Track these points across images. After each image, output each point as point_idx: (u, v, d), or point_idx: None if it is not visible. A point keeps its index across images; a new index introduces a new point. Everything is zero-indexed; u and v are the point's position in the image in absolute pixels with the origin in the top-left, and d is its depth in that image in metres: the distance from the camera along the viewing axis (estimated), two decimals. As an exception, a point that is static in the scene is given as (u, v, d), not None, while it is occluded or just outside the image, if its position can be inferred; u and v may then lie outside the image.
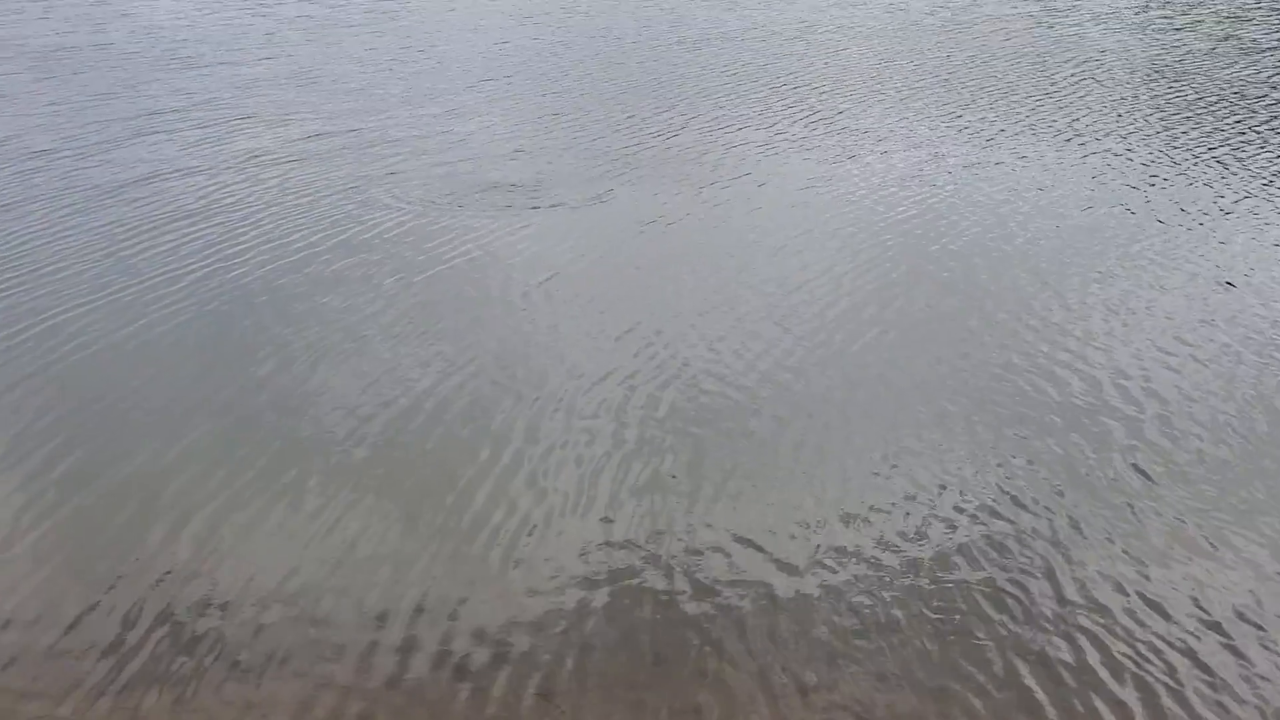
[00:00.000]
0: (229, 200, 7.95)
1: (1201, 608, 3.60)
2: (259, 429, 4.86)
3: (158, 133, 9.95)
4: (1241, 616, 3.56)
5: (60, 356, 5.53)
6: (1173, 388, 4.95)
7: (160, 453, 4.67)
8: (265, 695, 3.36)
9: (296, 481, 4.45)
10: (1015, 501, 4.19)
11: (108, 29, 16.64)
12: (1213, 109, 10.18)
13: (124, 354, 5.58)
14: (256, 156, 9.12)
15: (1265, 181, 7.88)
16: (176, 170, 8.71)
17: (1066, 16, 16.59)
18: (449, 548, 4.04)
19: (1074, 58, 12.98)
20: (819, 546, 3.97)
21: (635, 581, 3.83)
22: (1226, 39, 14.08)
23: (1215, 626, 3.52)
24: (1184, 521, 4.04)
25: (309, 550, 4.03)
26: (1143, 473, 4.33)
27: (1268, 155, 8.55)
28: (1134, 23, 15.76)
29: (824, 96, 11.15)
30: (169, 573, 3.92)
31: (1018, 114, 10.17)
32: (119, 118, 10.49)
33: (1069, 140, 9.19)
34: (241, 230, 7.30)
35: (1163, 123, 9.71)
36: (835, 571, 3.83)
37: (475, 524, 4.16)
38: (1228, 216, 7.15)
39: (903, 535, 4.02)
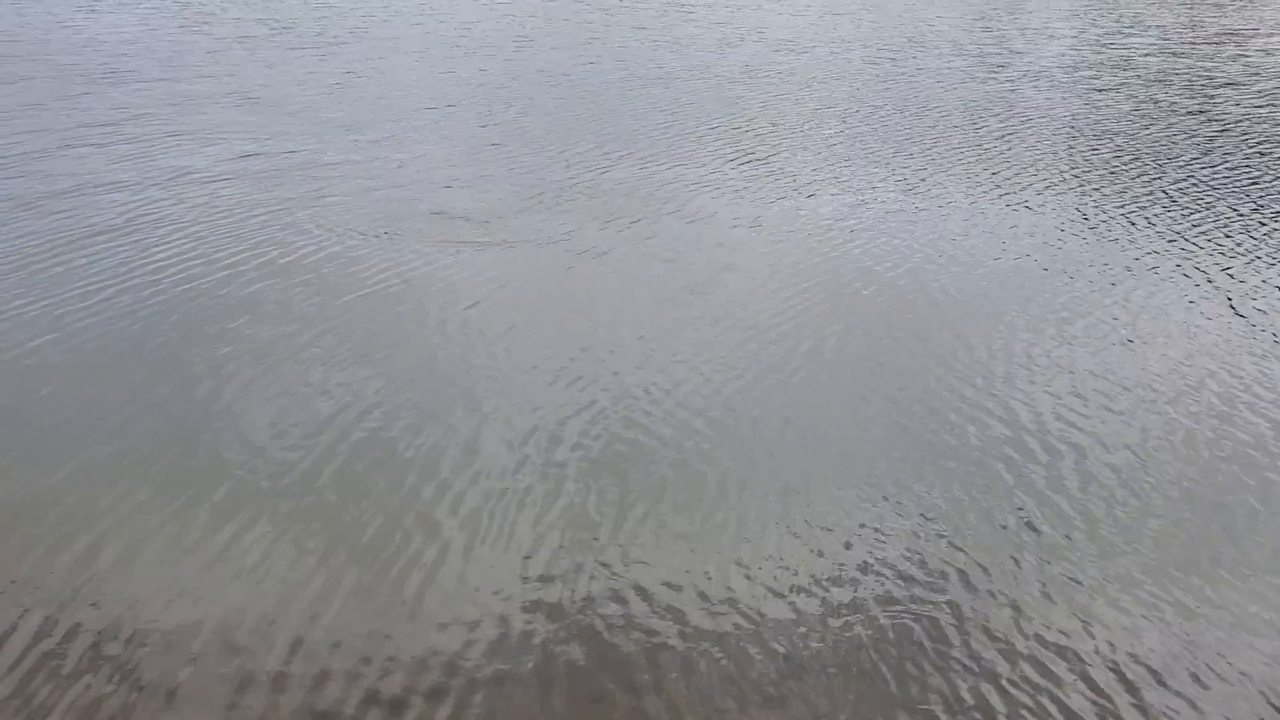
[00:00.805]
0: (151, 217, 7.88)
1: (1096, 661, 3.69)
2: (168, 450, 4.80)
3: (86, 145, 9.84)
4: (1126, 672, 3.66)
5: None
6: (1072, 442, 5.08)
7: (61, 470, 4.60)
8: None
9: (205, 506, 4.39)
10: (923, 549, 4.27)
11: (45, 40, 16.42)
12: (1129, 168, 10.53)
13: (28, 369, 5.49)
14: (184, 174, 9.05)
15: (1170, 240, 8.16)
16: (100, 184, 8.61)
17: (999, 73, 17.07)
18: (361, 579, 4.00)
19: (1002, 113, 13.35)
20: (734, 589, 4.00)
21: (554, 619, 3.83)
22: (1149, 101, 14.58)
23: (1111, 676, 3.62)
24: (1077, 579, 4.14)
25: (214, 577, 3.98)
26: (1037, 526, 4.44)
27: (1175, 215, 8.86)
28: (1063, 82, 16.25)
29: (758, 139, 11.34)
30: (65, 596, 3.84)
31: (944, 164, 10.43)
32: (47, 129, 10.36)
33: (990, 192, 9.44)
34: (161, 248, 7.24)
35: (1081, 179, 10.02)
36: (749, 615, 3.87)
37: (390, 554, 4.13)
38: (1133, 274, 7.39)
39: (815, 579, 4.07)
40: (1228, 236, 8.30)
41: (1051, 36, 22.93)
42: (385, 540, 4.22)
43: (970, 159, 10.70)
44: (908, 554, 4.23)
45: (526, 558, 4.14)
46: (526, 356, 5.84)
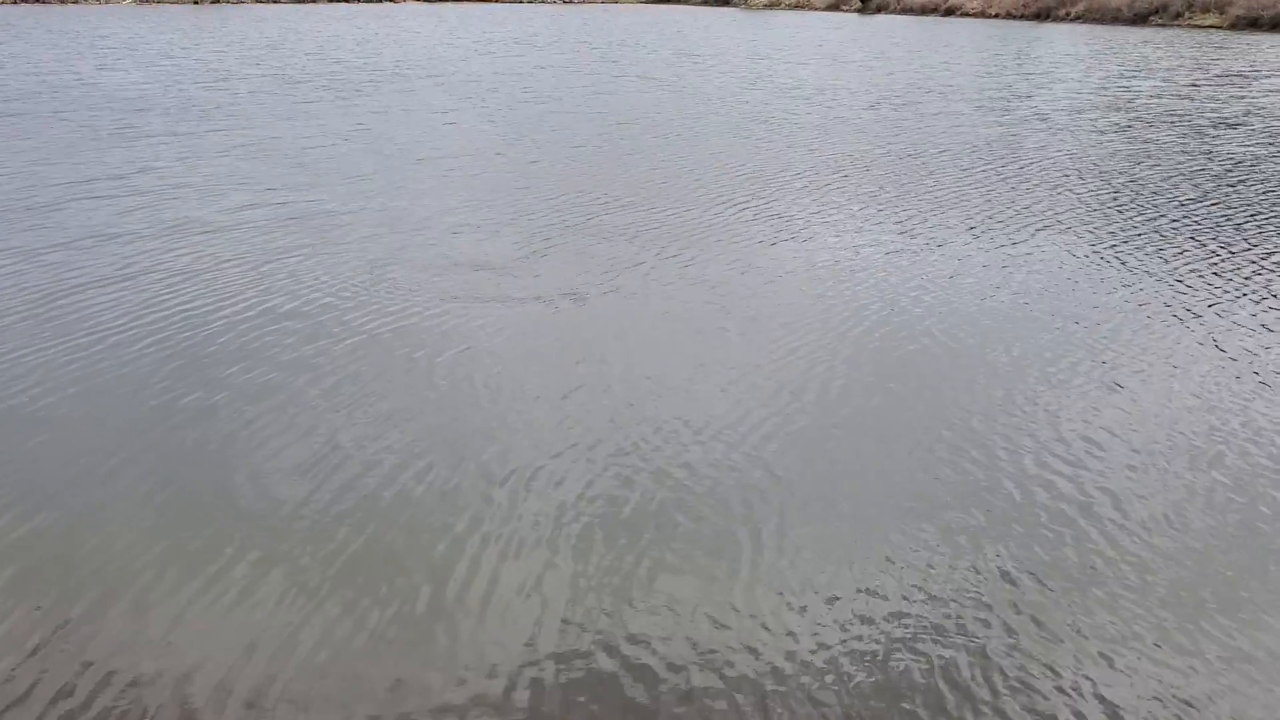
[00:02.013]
0: (153, 267, 8.00)
1: (1123, 710, 3.66)
2: (171, 498, 4.82)
3: (93, 198, 10.02)
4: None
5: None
6: (1067, 487, 5.04)
7: (70, 518, 4.63)
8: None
9: (207, 550, 4.38)
10: (934, 597, 4.21)
11: (62, 96, 16.78)
12: (1128, 208, 10.55)
13: (26, 416, 5.56)
14: (186, 225, 9.19)
15: (1161, 281, 8.17)
16: (104, 236, 8.76)
17: (1003, 117, 17.18)
18: (375, 627, 3.98)
19: (1001, 156, 13.43)
20: (748, 638, 3.96)
21: (569, 666, 3.80)
22: (1151, 142, 14.64)
23: None
24: (1083, 628, 4.11)
25: (220, 625, 3.95)
26: (1041, 575, 4.40)
27: (1166, 255, 8.87)
28: (1065, 125, 16.34)
29: (762, 183, 11.43)
30: (68, 643, 3.85)
31: (941, 207, 10.49)
32: (56, 183, 10.56)
33: (985, 233, 9.47)
34: (161, 297, 7.34)
35: (1076, 220, 10.04)
36: (764, 662, 3.82)
37: (404, 603, 4.11)
38: (1122, 314, 7.39)
39: (830, 625, 4.02)
40: (1231, 274, 8.29)
41: (1057, 80, 23.08)
42: (398, 589, 4.18)
43: (968, 201, 10.75)
44: (918, 601, 4.17)
45: (542, 605, 4.10)
46: (536, 404, 5.83)
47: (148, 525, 4.59)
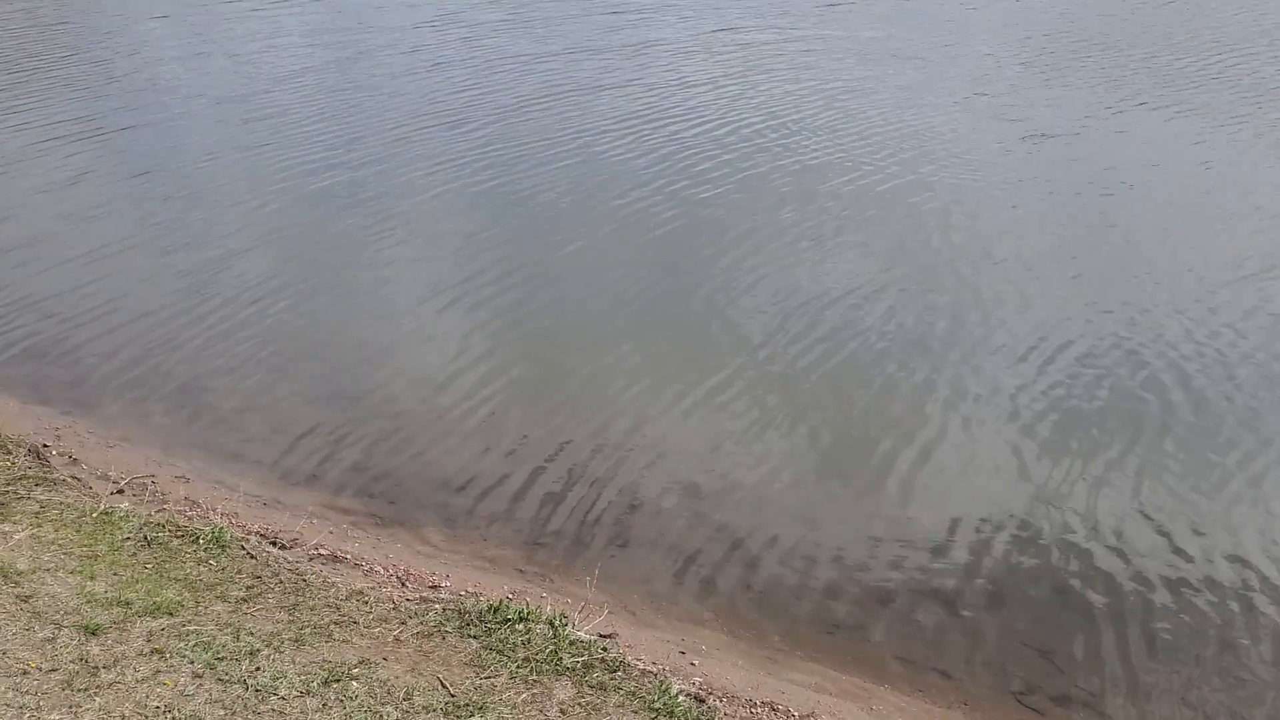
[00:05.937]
0: (621, 82, 8.85)
1: None
2: (672, 321, 5.17)
3: (585, 17, 11.02)
4: None
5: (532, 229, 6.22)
6: None
7: (586, 333, 5.06)
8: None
9: (702, 371, 4.67)
10: None
11: None
12: None
13: (548, 205, 6.31)
14: (660, 44, 10.01)
15: None
16: (587, 51, 9.84)
17: None
18: (844, 464, 4.10)
19: None
20: (1223, 562, 3.66)
21: (1026, 545, 3.72)
22: None
23: None
24: None
25: (707, 436, 4.23)
26: None
27: None
28: None
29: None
30: (586, 434, 4.24)
31: None
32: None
33: None
34: (634, 107, 8.11)
35: None
36: (1235, 595, 3.54)
37: (873, 445, 4.19)
38: None
39: None
40: None
41: None
42: (870, 431, 4.27)
43: None
44: None
45: (1010, 476, 4.02)
46: (1053, 281, 5.46)
47: (656, 347, 4.95)
